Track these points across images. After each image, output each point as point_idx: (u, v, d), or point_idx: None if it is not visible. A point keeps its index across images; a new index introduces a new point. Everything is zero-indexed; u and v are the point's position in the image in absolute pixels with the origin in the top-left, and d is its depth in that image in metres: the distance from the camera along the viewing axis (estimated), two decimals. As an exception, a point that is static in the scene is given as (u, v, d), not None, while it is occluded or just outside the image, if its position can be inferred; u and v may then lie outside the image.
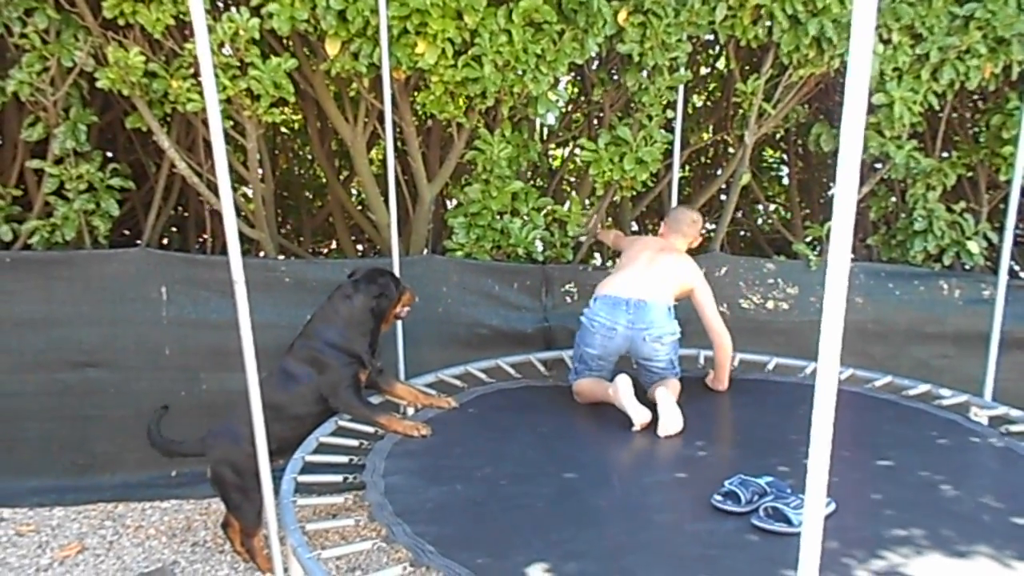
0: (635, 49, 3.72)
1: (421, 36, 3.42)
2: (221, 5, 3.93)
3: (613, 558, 2.11)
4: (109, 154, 4.13)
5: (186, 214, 5.04)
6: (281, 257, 4.17)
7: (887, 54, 3.93)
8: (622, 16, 3.64)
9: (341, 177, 5.50)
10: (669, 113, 4.06)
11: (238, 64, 3.40)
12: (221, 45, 3.36)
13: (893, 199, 4.69)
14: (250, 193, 4.13)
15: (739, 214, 5.93)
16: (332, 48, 3.47)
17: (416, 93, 3.73)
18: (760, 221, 6.01)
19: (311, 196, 5.94)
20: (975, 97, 4.89)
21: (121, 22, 3.33)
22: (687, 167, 5.91)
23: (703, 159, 5.93)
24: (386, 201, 3.72)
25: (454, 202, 4.49)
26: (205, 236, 4.73)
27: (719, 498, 2.40)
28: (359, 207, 5.13)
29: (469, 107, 3.79)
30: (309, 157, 5.87)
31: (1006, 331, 3.76)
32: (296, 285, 3.83)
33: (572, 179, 5.51)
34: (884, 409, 3.34)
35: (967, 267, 4.49)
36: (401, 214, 3.86)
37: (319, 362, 3.10)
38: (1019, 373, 4.26)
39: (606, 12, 3.57)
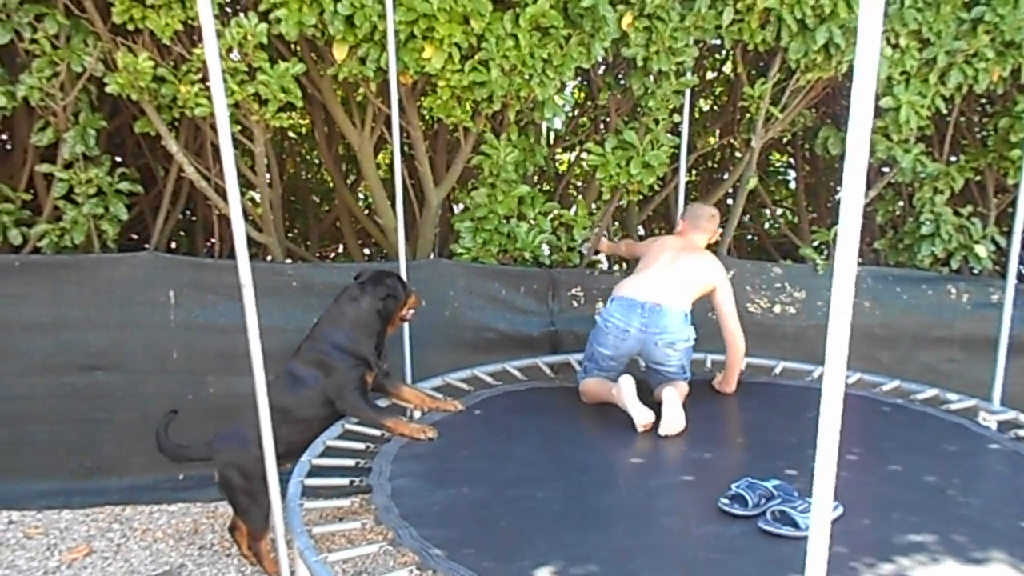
0: (640, 53, 3.73)
1: (428, 41, 3.43)
2: (229, 10, 3.95)
3: (619, 561, 2.11)
4: (118, 159, 4.16)
5: (194, 218, 5.06)
6: (288, 261, 4.18)
7: (895, 58, 3.92)
8: (626, 21, 3.65)
9: (348, 181, 5.52)
10: (676, 118, 4.06)
11: (246, 69, 3.41)
12: (229, 50, 3.38)
13: (900, 203, 4.69)
14: (258, 197, 4.14)
15: (746, 218, 5.92)
16: (339, 53, 3.48)
17: (423, 97, 3.75)
18: (767, 225, 6.00)
19: (318, 200, 5.96)
20: (983, 101, 4.88)
21: (130, 27, 3.35)
22: (694, 171, 5.91)
23: (710, 163, 5.92)
24: (393, 205, 3.73)
25: (461, 206, 4.49)
26: (213, 240, 4.75)
27: (726, 501, 2.39)
28: (366, 211, 5.14)
29: (476, 111, 3.80)
30: (316, 161, 5.89)
31: (1014, 335, 3.74)
32: (303, 289, 3.84)
33: (579, 183, 5.52)
34: (892, 413, 3.33)
35: (975, 271, 4.48)
36: (408, 218, 3.87)
37: (326, 365, 3.11)
38: (1028, 378, 4.25)
39: (610, 18, 3.57)
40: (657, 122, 3.97)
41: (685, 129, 4.02)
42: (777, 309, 4.33)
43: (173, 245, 4.89)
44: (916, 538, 2.24)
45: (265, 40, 3.36)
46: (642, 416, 3.01)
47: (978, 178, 4.63)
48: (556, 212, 4.11)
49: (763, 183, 5.25)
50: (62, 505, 3.79)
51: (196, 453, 3.24)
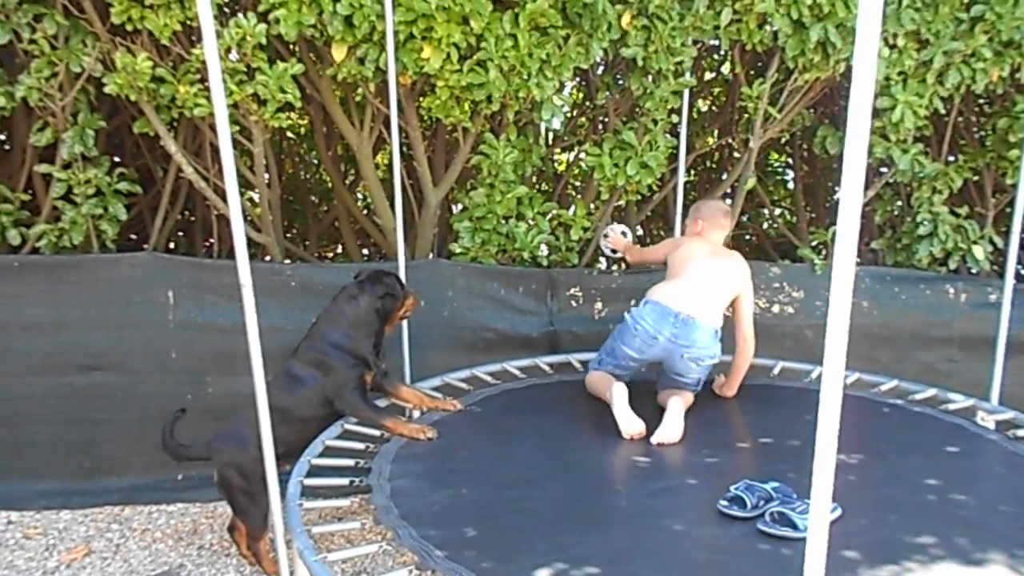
0: (639, 53, 3.73)
1: (427, 41, 3.43)
2: (228, 11, 3.95)
3: (619, 562, 2.11)
4: (117, 159, 4.16)
5: (193, 218, 5.06)
6: (287, 261, 4.19)
7: (892, 58, 3.93)
8: (625, 20, 3.66)
9: (347, 181, 5.52)
10: (674, 118, 4.06)
11: (245, 69, 3.41)
12: (228, 50, 3.38)
13: (899, 203, 4.69)
14: (256, 197, 4.14)
15: (745, 218, 5.93)
16: (338, 53, 3.48)
17: (422, 98, 3.75)
18: (766, 225, 6.00)
19: (317, 200, 5.96)
20: (981, 101, 4.88)
21: (129, 28, 3.35)
22: (692, 172, 5.91)
23: (708, 163, 5.93)
24: (392, 206, 3.73)
25: (460, 206, 4.50)
26: (211, 240, 4.75)
27: (725, 503, 2.40)
28: (365, 211, 5.14)
29: (474, 112, 3.80)
30: (315, 162, 5.89)
31: (1012, 335, 3.75)
32: (302, 289, 3.84)
33: (577, 183, 5.52)
34: (890, 414, 3.34)
35: (973, 271, 4.48)
36: (407, 218, 3.87)
37: (324, 364, 3.11)
38: (1026, 377, 4.26)
39: (611, 15, 3.57)
40: (655, 122, 3.98)
41: (683, 130, 4.03)
42: (776, 309, 4.33)
43: (172, 245, 4.89)
44: (914, 539, 2.24)
45: (264, 40, 3.36)
46: (630, 426, 2.99)
47: (976, 178, 4.63)
48: (555, 212, 4.12)
49: (761, 183, 5.25)
50: (61, 505, 3.79)
51: (195, 453, 3.25)
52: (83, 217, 3.70)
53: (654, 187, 4.20)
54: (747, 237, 6.11)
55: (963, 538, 2.25)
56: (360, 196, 5.75)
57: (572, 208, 4.18)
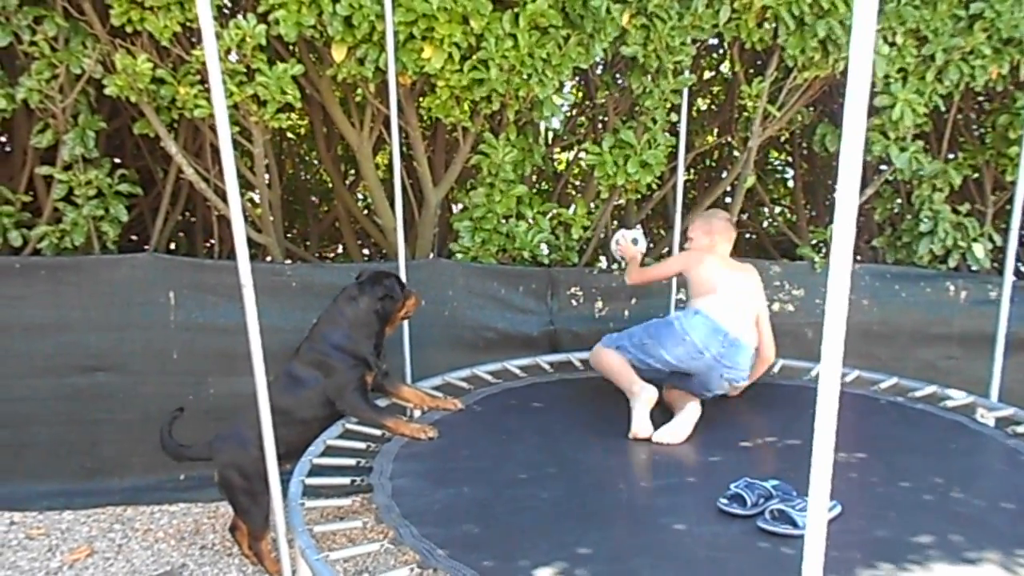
0: (639, 52, 3.74)
1: (427, 41, 3.44)
2: (228, 12, 3.96)
3: (619, 560, 2.12)
4: (117, 160, 4.16)
5: (193, 219, 5.07)
6: (288, 262, 4.19)
7: (892, 56, 3.93)
8: (625, 18, 3.66)
9: (347, 182, 5.53)
10: (673, 116, 4.07)
11: (245, 70, 3.42)
12: (228, 51, 3.38)
13: (899, 201, 4.70)
14: (257, 198, 4.15)
15: (744, 216, 5.93)
16: (338, 54, 3.49)
17: (422, 98, 3.75)
18: (766, 224, 6.01)
19: (317, 201, 5.97)
20: (981, 98, 4.89)
21: (129, 29, 3.36)
22: (692, 170, 5.92)
23: (708, 162, 5.93)
24: (392, 205, 3.73)
25: (460, 206, 4.50)
26: (212, 241, 4.76)
27: (725, 501, 2.40)
28: (365, 211, 5.15)
29: (475, 111, 3.81)
30: (315, 162, 5.90)
31: (1012, 332, 3.76)
32: (302, 289, 3.85)
33: (577, 183, 5.53)
34: (890, 411, 3.35)
35: (973, 268, 4.49)
36: (407, 218, 3.88)
37: (325, 365, 3.11)
38: (1026, 374, 4.27)
39: (615, 17, 3.58)
40: (655, 121, 3.98)
41: (683, 128, 4.03)
42: (776, 307, 4.34)
43: (173, 246, 4.90)
44: (914, 537, 2.24)
45: (264, 41, 3.37)
46: (642, 429, 2.97)
47: (976, 176, 4.64)
48: (555, 211, 4.12)
49: (761, 182, 5.25)
50: (64, 506, 3.80)
51: (196, 453, 3.25)
52: (84, 218, 3.71)
53: (654, 186, 4.20)
54: (747, 235, 6.12)
55: (963, 535, 2.25)
56: (360, 196, 5.76)
57: (572, 207, 4.19)
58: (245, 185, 4.20)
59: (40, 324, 3.66)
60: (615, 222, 5.54)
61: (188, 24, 3.37)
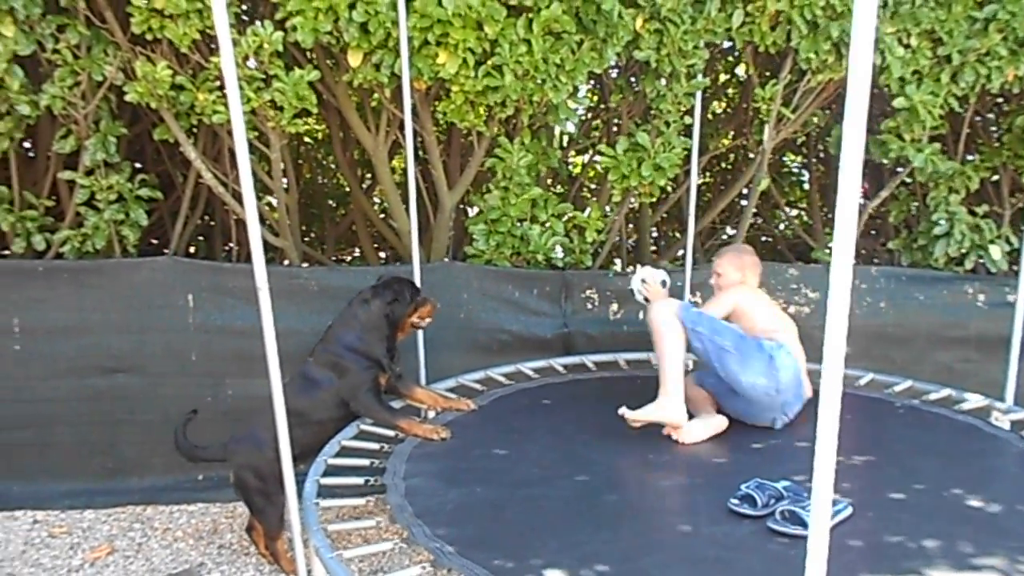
0: (652, 56, 3.76)
1: (442, 47, 3.47)
2: (246, 19, 4.02)
3: (629, 559, 2.13)
4: (138, 165, 4.24)
5: (212, 223, 5.14)
6: (305, 265, 4.24)
7: (907, 58, 3.92)
8: (638, 23, 3.68)
9: (364, 186, 5.58)
10: (687, 120, 4.08)
11: (262, 76, 3.47)
12: (246, 58, 3.44)
13: (915, 203, 4.68)
14: (275, 202, 4.21)
15: (760, 220, 5.93)
16: (354, 59, 3.54)
17: (437, 103, 3.79)
18: (783, 227, 6.00)
19: (335, 205, 6.03)
20: (998, 100, 4.86)
21: (149, 37, 3.42)
22: (708, 173, 5.92)
23: (724, 165, 5.94)
24: (407, 209, 3.77)
25: (475, 210, 4.54)
26: (231, 245, 4.82)
27: (735, 501, 2.41)
28: (382, 215, 5.20)
29: (489, 116, 3.84)
30: (332, 166, 5.96)
31: (1029, 335, 3.73)
32: (319, 292, 3.89)
33: (593, 186, 5.55)
34: (904, 414, 3.33)
35: (990, 271, 4.46)
36: (422, 222, 3.91)
37: (339, 367, 3.15)
38: (1043, 377, 4.23)
39: (627, 23, 3.60)
40: (668, 124, 3.99)
41: (696, 131, 4.04)
42: (792, 310, 4.33)
43: (192, 250, 4.97)
44: (926, 539, 2.24)
45: (281, 48, 3.42)
46: (637, 420, 2.93)
47: (994, 178, 4.61)
48: (569, 215, 4.14)
49: (777, 185, 5.25)
50: (85, 505, 3.86)
51: (212, 454, 3.30)
52: (105, 222, 3.77)
53: (668, 189, 4.21)
54: (763, 239, 6.11)
55: (975, 538, 2.24)
56: (377, 200, 5.81)
57: (587, 211, 4.21)
58: (263, 189, 4.25)
59: (63, 326, 3.73)
60: (630, 225, 5.57)
61: (207, 31, 3.43)
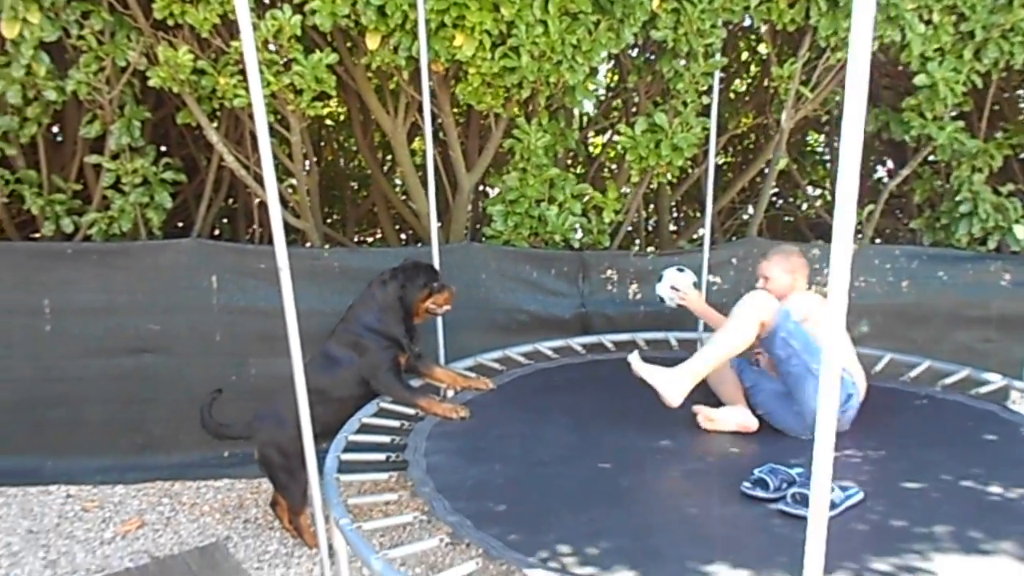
0: (669, 36, 3.74)
1: (459, 29, 3.49)
2: (266, 3, 4.05)
3: (640, 537, 2.17)
4: (163, 149, 4.30)
5: (235, 206, 5.21)
6: (326, 246, 4.30)
7: (928, 34, 3.87)
8: (655, 2, 3.67)
9: (385, 168, 5.62)
10: (706, 99, 4.06)
11: (282, 60, 3.51)
12: (265, 42, 3.48)
13: (938, 181, 4.63)
14: (296, 185, 4.26)
15: (782, 200, 5.90)
16: (372, 42, 3.56)
17: (455, 84, 3.81)
18: (805, 206, 5.96)
19: (356, 187, 6.08)
20: (1024, 76, 4.79)
21: (171, 22, 3.47)
22: (729, 153, 5.89)
23: (746, 144, 5.90)
24: (426, 191, 3.81)
25: (494, 190, 4.56)
26: (254, 227, 4.89)
27: (748, 485, 2.43)
28: (403, 197, 5.24)
29: (507, 97, 3.85)
30: (354, 149, 6.00)
31: (1050, 315, 3.71)
32: (340, 273, 3.94)
33: (612, 166, 5.55)
34: (920, 400, 3.29)
35: (1014, 250, 4.41)
36: (442, 203, 3.94)
37: (359, 346, 3.21)
38: (1064, 357, 4.20)
39: (645, 3, 3.59)
40: (686, 104, 3.98)
41: (714, 110, 4.02)
42: (813, 289, 4.32)
43: (216, 232, 5.04)
44: (936, 524, 2.24)
45: (300, 31, 3.46)
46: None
47: (1021, 156, 4.55)
48: (587, 194, 4.15)
49: (799, 164, 5.21)
50: (116, 480, 3.97)
51: (236, 432, 3.39)
52: (131, 205, 3.85)
53: (687, 168, 4.20)
54: (786, 218, 6.08)
55: (986, 523, 2.24)
56: (398, 182, 5.85)
57: (605, 191, 4.21)
58: (284, 172, 4.31)
59: (91, 307, 3.82)
60: (650, 206, 5.57)
61: (227, 16, 3.47)
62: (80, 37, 3.54)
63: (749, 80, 5.66)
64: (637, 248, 4.88)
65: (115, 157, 3.82)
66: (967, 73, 4.00)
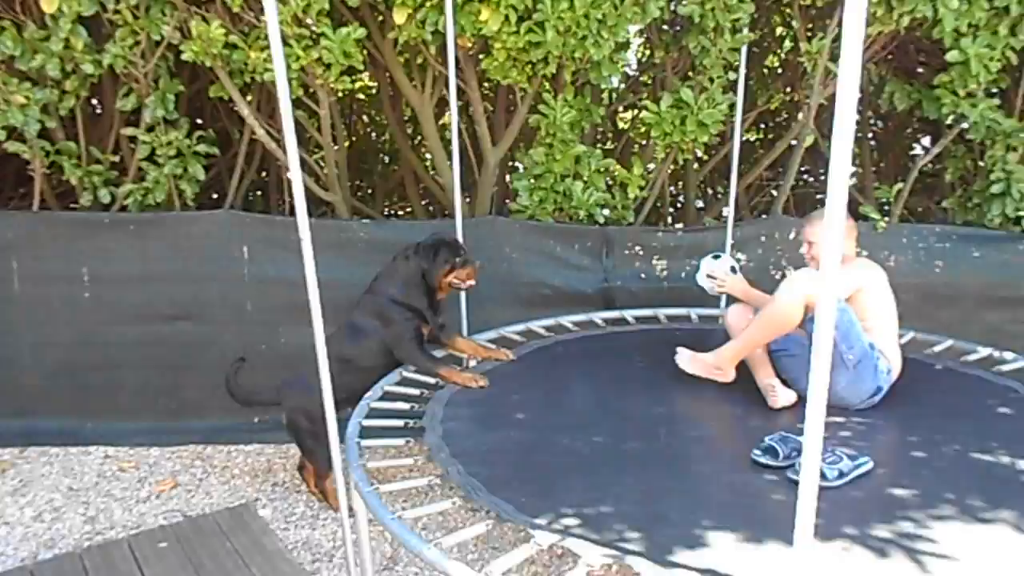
0: (696, 11, 3.73)
1: (485, 3, 3.51)
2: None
3: (649, 502, 2.23)
4: (197, 122, 4.40)
5: (267, 178, 5.31)
6: (354, 219, 4.37)
7: (962, 9, 3.80)
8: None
9: (413, 142, 5.67)
10: (732, 75, 4.04)
11: (311, 35, 3.57)
12: (297, 19, 3.53)
13: (971, 160, 4.55)
14: (325, 158, 4.33)
15: (811, 178, 5.84)
16: (400, 17, 3.60)
17: (482, 57, 3.84)
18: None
19: (387, 160, 6.14)
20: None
21: (203, -3, 3.55)
22: (759, 129, 5.84)
23: (777, 120, 5.84)
24: (451, 165, 3.86)
25: (520, 165, 4.59)
26: (285, 199, 4.98)
27: (758, 452, 2.47)
28: (431, 171, 5.29)
29: (532, 73, 3.87)
30: (384, 123, 6.06)
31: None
32: (367, 245, 4.01)
33: (641, 143, 5.54)
34: (938, 376, 3.29)
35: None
36: (468, 177, 3.98)
37: (384, 316, 3.30)
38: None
39: None
40: (712, 80, 3.97)
41: (740, 86, 3.99)
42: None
43: (248, 203, 5.14)
44: (943, 493, 2.26)
45: (328, 6, 3.50)
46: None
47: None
48: (612, 169, 4.15)
49: (828, 140, 5.13)
50: (151, 443, 4.13)
51: (265, 398, 3.50)
52: (165, 177, 3.95)
53: (714, 144, 4.18)
54: (818, 196, 6.02)
55: (993, 495, 2.26)
56: (427, 156, 5.90)
57: (631, 166, 4.22)
58: (315, 145, 4.38)
59: (127, 275, 3.95)
60: (679, 182, 5.55)
61: (258, -9, 3.53)
62: (116, 11, 3.62)
63: (782, 55, 5.60)
64: (663, 224, 4.88)
65: (150, 130, 3.92)
66: (1002, 50, 3.91)
